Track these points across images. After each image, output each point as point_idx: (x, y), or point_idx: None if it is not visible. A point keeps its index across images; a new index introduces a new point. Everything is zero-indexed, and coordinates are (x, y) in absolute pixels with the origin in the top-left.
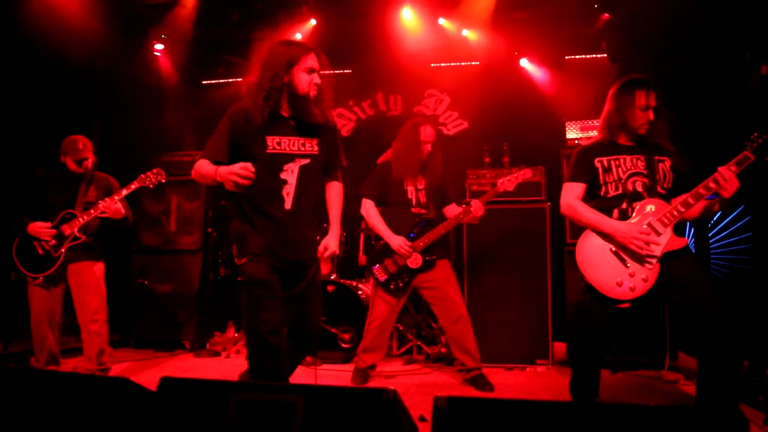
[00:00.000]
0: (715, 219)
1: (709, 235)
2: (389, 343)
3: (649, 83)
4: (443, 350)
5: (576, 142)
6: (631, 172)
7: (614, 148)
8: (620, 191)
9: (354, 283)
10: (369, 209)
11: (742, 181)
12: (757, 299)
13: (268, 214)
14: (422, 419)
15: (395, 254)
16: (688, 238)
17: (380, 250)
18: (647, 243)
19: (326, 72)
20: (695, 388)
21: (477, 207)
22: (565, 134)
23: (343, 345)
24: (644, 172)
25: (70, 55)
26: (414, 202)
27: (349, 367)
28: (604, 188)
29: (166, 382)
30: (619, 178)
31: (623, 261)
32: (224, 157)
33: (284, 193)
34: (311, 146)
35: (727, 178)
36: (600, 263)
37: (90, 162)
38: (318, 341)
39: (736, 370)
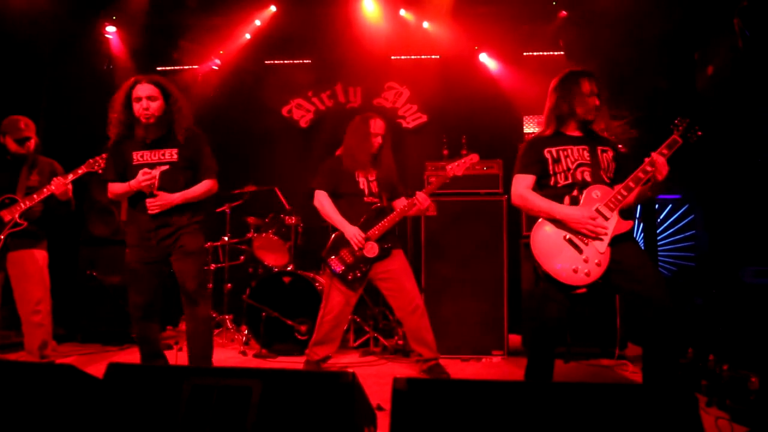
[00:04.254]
0: (661, 218)
1: (657, 231)
2: (345, 335)
3: (590, 73)
4: (400, 342)
5: (533, 136)
6: (578, 162)
7: (561, 138)
8: (570, 180)
9: (311, 275)
10: (322, 200)
11: (687, 184)
12: (700, 293)
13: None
14: (380, 408)
15: (351, 243)
16: (636, 235)
17: (336, 242)
18: (597, 227)
19: (285, 62)
20: (642, 374)
21: (422, 198)
22: (522, 128)
23: (300, 337)
24: (589, 161)
25: (16, 33)
26: (366, 192)
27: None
28: (553, 178)
29: (114, 369)
30: (568, 168)
31: (577, 248)
32: (116, 176)
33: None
34: (170, 155)
35: (657, 162)
36: (555, 252)
37: (32, 143)
38: (200, 294)
39: (678, 354)
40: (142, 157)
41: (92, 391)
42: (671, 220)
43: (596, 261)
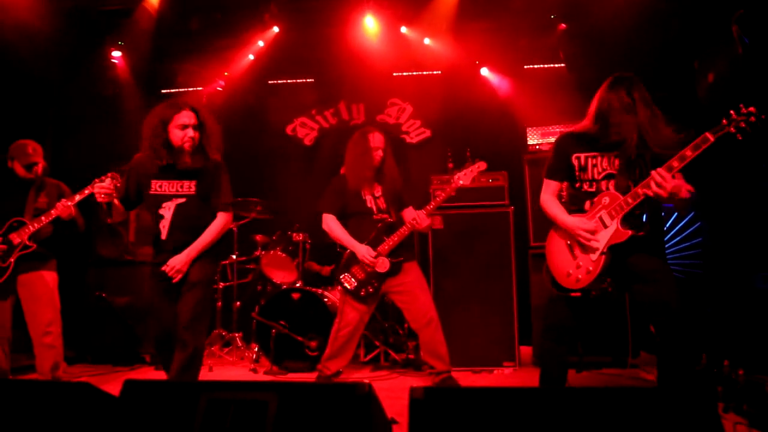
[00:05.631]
0: (667, 225)
1: (665, 239)
2: (356, 350)
3: (632, 83)
4: (410, 356)
5: (537, 147)
6: (607, 172)
7: (596, 143)
8: (594, 189)
9: (320, 291)
10: (330, 223)
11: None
12: (710, 299)
13: (154, 242)
14: (393, 421)
15: (362, 261)
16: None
17: (347, 260)
18: (592, 233)
19: (288, 81)
20: (656, 380)
21: (421, 219)
22: (526, 140)
23: (310, 353)
24: (618, 170)
25: (23, 60)
26: (375, 210)
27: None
28: (578, 184)
29: (130, 386)
30: (593, 178)
31: (573, 253)
32: (123, 197)
33: (161, 225)
34: (189, 188)
35: (663, 178)
36: (557, 253)
37: (40, 167)
38: (191, 330)
39: (692, 360)
40: (160, 187)
41: (109, 408)
42: (678, 227)
43: (588, 268)
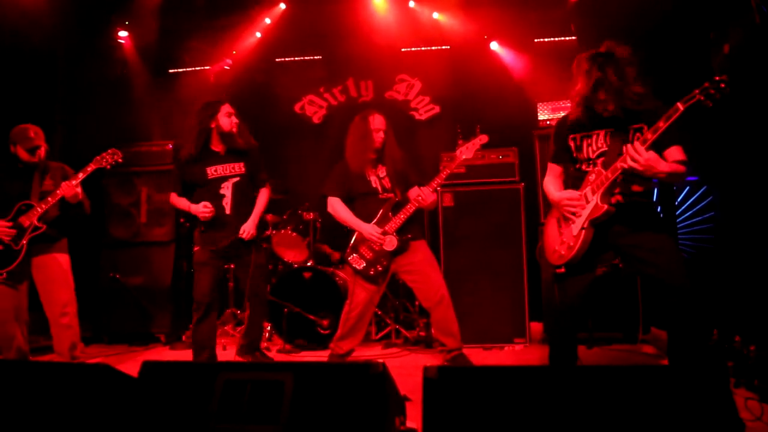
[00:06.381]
0: (679, 200)
1: (676, 213)
2: (368, 328)
3: (605, 55)
4: (422, 333)
5: (548, 122)
6: (601, 150)
7: (590, 120)
8: (590, 169)
9: (330, 270)
10: (335, 205)
11: (705, 165)
12: (721, 275)
13: (213, 219)
14: (406, 399)
15: (370, 241)
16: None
17: (355, 241)
18: (574, 209)
19: (296, 59)
20: (668, 358)
21: (426, 195)
22: (537, 115)
23: (322, 331)
24: (609, 149)
25: (29, 41)
26: (380, 189)
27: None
28: (578, 164)
29: (148, 366)
30: (589, 158)
31: (560, 230)
32: (181, 190)
33: (224, 203)
34: (240, 168)
35: (636, 151)
36: (549, 232)
37: (43, 150)
38: (264, 294)
39: (703, 336)
40: (215, 171)
41: (128, 388)
42: (689, 202)
43: (570, 244)
